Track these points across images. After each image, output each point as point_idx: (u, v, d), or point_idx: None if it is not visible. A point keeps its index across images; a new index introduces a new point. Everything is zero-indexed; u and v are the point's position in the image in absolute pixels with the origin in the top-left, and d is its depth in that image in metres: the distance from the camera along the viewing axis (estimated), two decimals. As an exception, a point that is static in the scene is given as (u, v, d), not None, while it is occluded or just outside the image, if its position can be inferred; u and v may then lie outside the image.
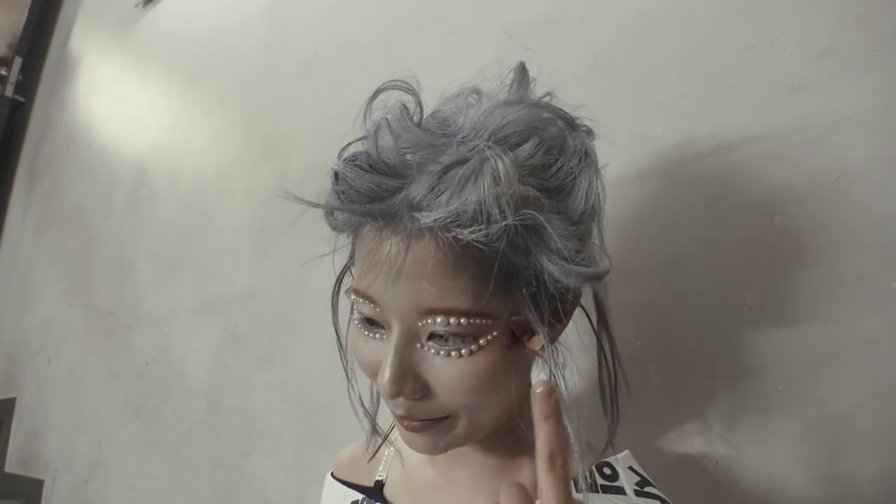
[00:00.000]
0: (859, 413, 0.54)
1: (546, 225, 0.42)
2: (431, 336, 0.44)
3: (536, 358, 0.52)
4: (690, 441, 0.62)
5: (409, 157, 0.43)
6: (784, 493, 0.56)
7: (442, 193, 0.40)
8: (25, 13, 2.86)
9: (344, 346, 0.57)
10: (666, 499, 0.51)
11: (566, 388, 0.46)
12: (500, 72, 0.53)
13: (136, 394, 1.54)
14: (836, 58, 0.59)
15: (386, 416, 0.60)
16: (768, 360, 0.59)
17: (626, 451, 0.55)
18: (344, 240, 0.53)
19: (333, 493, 0.65)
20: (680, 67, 0.70)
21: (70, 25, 2.73)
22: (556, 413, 0.36)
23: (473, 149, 0.42)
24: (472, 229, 0.39)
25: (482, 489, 0.54)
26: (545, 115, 0.47)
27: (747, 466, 0.59)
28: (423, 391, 0.45)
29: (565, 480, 0.36)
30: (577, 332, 0.52)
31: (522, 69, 0.53)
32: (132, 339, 1.62)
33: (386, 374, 0.44)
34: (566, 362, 0.47)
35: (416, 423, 0.47)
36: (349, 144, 0.50)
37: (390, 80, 0.49)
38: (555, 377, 0.47)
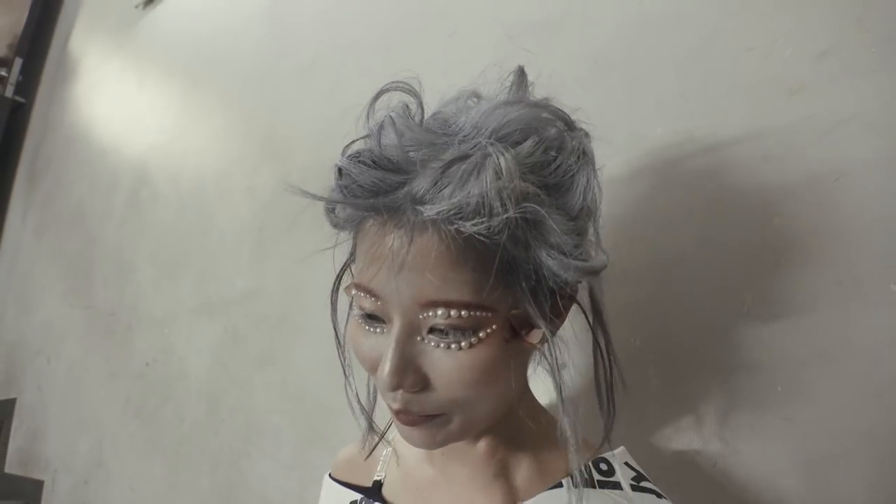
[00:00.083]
0: (858, 414, 0.54)
1: (547, 217, 0.43)
2: (432, 329, 0.45)
3: (534, 353, 0.52)
4: (689, 441, 0.62)
5: (411, 154, 0.44)
6: (782, 494, 0.57)
7: (445, 187, 0.41)
8: (25, 14, 2.86)
9: (342, 343, 0.58)
10: (661, 493, 0.51)
11: (564, 383, 0.47)
12: (499, 74, 0.54)
13: (136, 394, 1.54)
14: (835, 59, 0.60)
15: (383, 415, 0.61)
16: (767, 360, 0.59)
17: (622, 448, 0.55)
18: (344, 237, 0.53)
19: (331, 494, 0.65)
20: (679, 68, 0.70)
21: (70, 26, 2.74)
22: None
23: (475, 146, 0.43)
24: (474, 221, 0.40)
25: (480, 486, 0.55)
26: (544, 115, 0.48)
27: (746, 466, 0.59)
28: (423, 384, 0.46)
29: None
30: (573, 330, 0.53)
31: (521, 72, 0.53)
32: (132, 339, 1.62)
33: (387, 367, 0.44)
34: (564, 358, 0.47)
35: (410, 418, 0.47)
36: (352, 142, 0.50)
37: (393, 82, 0.50)
38: (554, 372, 0.47)
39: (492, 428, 0.53)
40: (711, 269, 0.64)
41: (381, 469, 0.63)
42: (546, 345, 0.48)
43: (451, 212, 0.41)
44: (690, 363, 0.64)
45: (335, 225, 0.52)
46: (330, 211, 0.52)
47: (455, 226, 0.41)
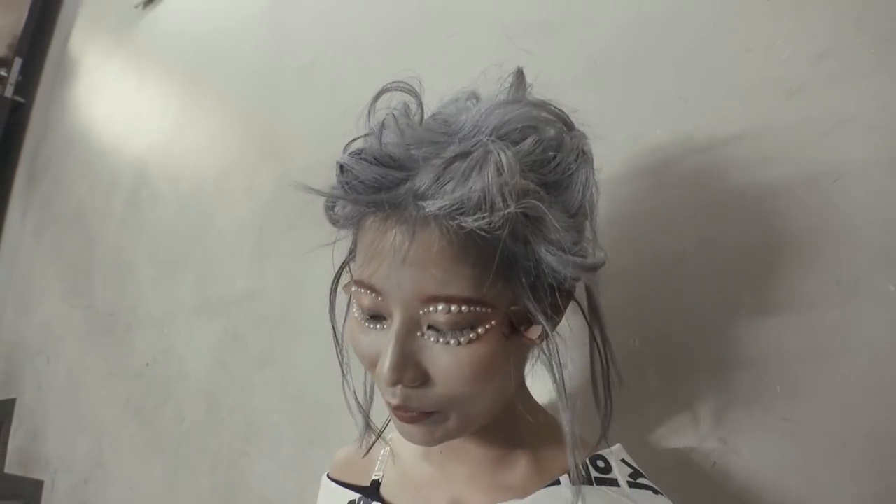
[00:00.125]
0: (857, 414, 0.54)
1: (548, 212, 0.44)
2: (431, 325, 0.45)
3: (531, 351, 0.53)
4: (688, 441, 0.62)
5: (413, 151, 0.44)
6: (781, 493, 0.57)
7: (447, 183, 0.42)
8: (25, 14, 2.86)
9: (340, 340, 0.58)
10: (658, 489, 0.51)
11: (563, 379, 0.47)
12: (499, 75, 0.54)
13: (135, 394, 1.54)
14: (834, 60, 0.60)
15: (380, 414, 0.61)
16: (766, 360, 0.59)
17: (618, 445, 0.56)
18: (343, 235, 0.54)
19: (329, 494, 0.65)
20: (679, 69, 0.70)
21: (70, 26, 2.74)
22: None
23: (476, 144, 0.43)
24: (475, 217, 0.41)
25: (478, 484, 0.55)
26: (543, 114, 0.49)
27: (745, 466, 0.59)
28: (422, 379, 0.46)
29: None
30: (569, 328, 0.53)
31: (520, 74, 0.54)
32: (132, 339, 1.62)
33: (386, 362, 0.45)
34: (563, 354, 0.48)
35: (408, 415, 0.47)
36: (353, 140, 0.51)
37: (394, 81, 0.51)
38: (554, 365, 0.48)
39: (489, 425, 0.53)
40: (710, 269, 0.64)
41: (379, 469, 0.64)
42: (545, 341, 0.48)
43: (454, 207, 0.41)
44: (689, 363, 0.64)
45: (334, 223, 0.53)
46: (329, 208, 0.52)
47: (457, 221, 0.42)
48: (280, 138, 1.31)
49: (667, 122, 0.70)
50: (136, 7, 2.07)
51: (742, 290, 0.62)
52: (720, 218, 0.64)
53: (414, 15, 1.08)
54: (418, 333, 0.46)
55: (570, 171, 0.48)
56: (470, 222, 0.41)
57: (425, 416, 0.48)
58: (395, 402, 0.47)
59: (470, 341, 0.45)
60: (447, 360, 0.45)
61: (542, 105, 0.50)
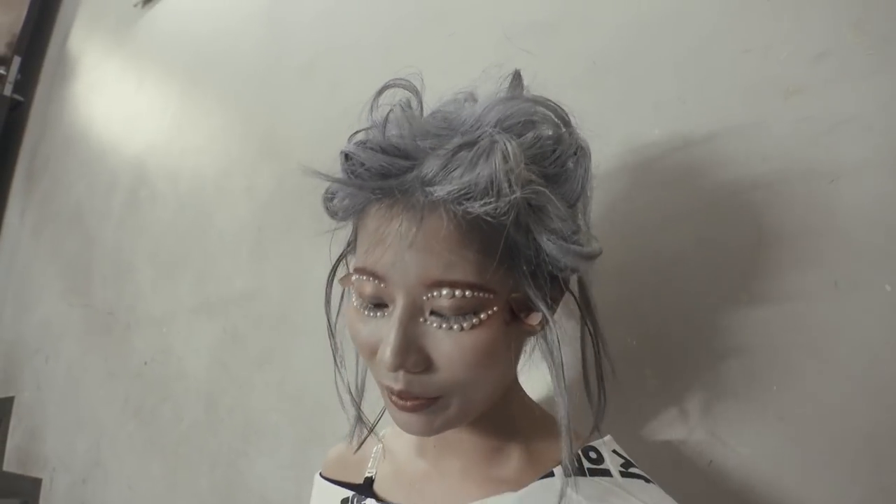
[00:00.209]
0: (854, 414, 0.54)
1: (553, 198, 0.46)
2: (434, 311, 0.46)
3: (525, 346, 0.54)
4: (685, 440, 0.63)
5: (418, 142, 0.45)
6: (778, 493, 0.57)
7: (454, 170, 0.43)
8: (24, 12, 2.86)
9: (334, 332, 0.59)
10: (649, 478, 0.52)
11: (562, 364, 0.48)
12: (498, 75, 0.55)
13: (134, 393, 1.55)
14: (832, 61, 0.60)
15: (371, 409, 0.61)
16: (763, 360, 0.59)
17: (609, 436, 0.56)
18: (339, 226, 0.55)
19: (322, 493, 0.65)
20: (677, 70, 0.70)
21: (69, 25, 2.73)
22: None
23: (481, 134, 0.44)
24: (483, 202, 0.42)
25: (473, 477, 0.55)
26: (543, 110, 0.51)
27: (741, 466, 0.59)
28: (425, 364, 0.46)
29: None
30: (561, 322, 0.53)
31: (517, 75, 0.55)
32: (131, 338, 1.62)
33: (389, 347, 0.45)
34: (561, 342, 0.48)
35: (409, 403, 0.48)
36: (356, 133, 0.52)
37: (397, 78, 0.52)
38: (553, 350, 0.49)
39: (484, 418, 0.54)
40: (708, 268, 0.64)
41: (372, 466, 0.64)
42: (544, 329, 0.50)
43: (462, 191, 0.42)
44: (686, 362, 0.64)
45: (333, 214, 0.54)
46: (328, 200, 0.53)
47: (463, 206, 0.43)
48: (279, 138, 1.32)
49: (665, 123, 0.70)
50: (136, 6, 2.07)
51: (740, 289, 0.62)
52: (718, 217, 0.64)
53: (413, 15, 1.08)
54: (421, 319, 0.46)
55: (570, 164, 0.50)
56: (477, 207, 0.42)
57: (426, 404, 0.48)
58: (397, 386, 0.47)
59: (473, 326, 0.46)
60: (450, 344, 0.46)
61: (541, 101, 0.51)
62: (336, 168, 0.52)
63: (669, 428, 0.64)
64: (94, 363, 1.75)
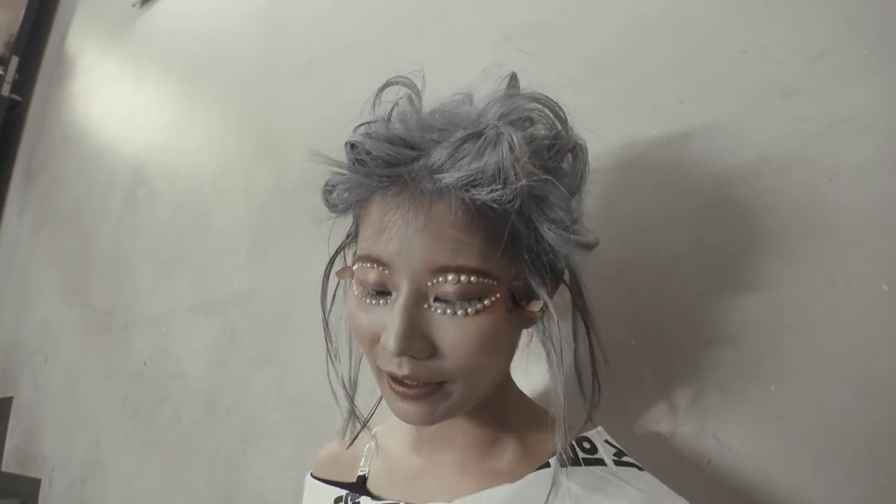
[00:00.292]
0: (851, 413, 0.55)
1: (558, 185, 0.48)
2: (439, 297, 0.47)
3: (520, 338, 0.55)
4: (683, 438, 0.63)
5: (424, 134, 0.47)
6: (776, 492, 0.57)
7: (462, 158, 0.44)
8: (22, 12, 2.85)
9: (328, 324, 0.60)
10: (641, 466, 0.53)
11: (561, 349, 0.49)
12: (497, 75, 0.56)
13: (133, 393, 1.54)
14: (829, 62, 0.60)
15: (365, 404, 0.62)
16: (761, 359, 0.60)
17: (600, 427, 0.57)
18: (338, 230, 0.56)
19: (315, 493, 0.65)
20: (675, 70, 0.71)
21: (67, 25, 2.73)
22: None
23: (487, 126, 0.46)
24: (490, 188, 0.43)
25: (468, 470, 0.56)
26: (541, 107, 0.52)
27: (739, 464, 0.59)
28: (430, 350, 0.47)
29: None
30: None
31: (514, 77, 0.57)
32: (129, 338, 1.62)
33: (394, 333, 0.46)
34: (560, 332, 0.50)
35: (412, 391, 0.48)
36: (360, 126, 0.53)
37: (399, 76, 0.54)
38: (552, 339, 0.50)
39: (479, 411, 0.54)
40: (706, 268, 0.64)
41: (365, 464, 0.64)
42: (543, 316, 0.51)
43: (470, 178, 0.44)
44: (684, 362, 0.64)
45: (333, 207, 0.55)
46: (328, 192, 0.55)
47: (471, 193, 0.44)
48: (278, 138, 1.31)
49: (663, 123, 0.70)
50: (134, 6, 2.06)
51: (738, 288, 0.62)
52: (716, 217, 0.64)
53: (412, 15, 1.08)
54: (425, 306, 0.47)
55: (569, 159, 0.53)
56: (484, 195, 0.44)
57: (429, 391, 0.48)
58: (402, 372, 0.48)
59: (477, 312, 0.47)
60: (454, 330, 0.47)
61: (540, 99, 0.53)
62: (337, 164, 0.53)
63: (668, 427, 0.64)
64: (92, 363, 1.75)
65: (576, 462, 0.53)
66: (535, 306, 0.50)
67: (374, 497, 0.59)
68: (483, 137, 0.45)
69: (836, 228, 0.58)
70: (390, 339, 0.46)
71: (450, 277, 0.46)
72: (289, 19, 1.39)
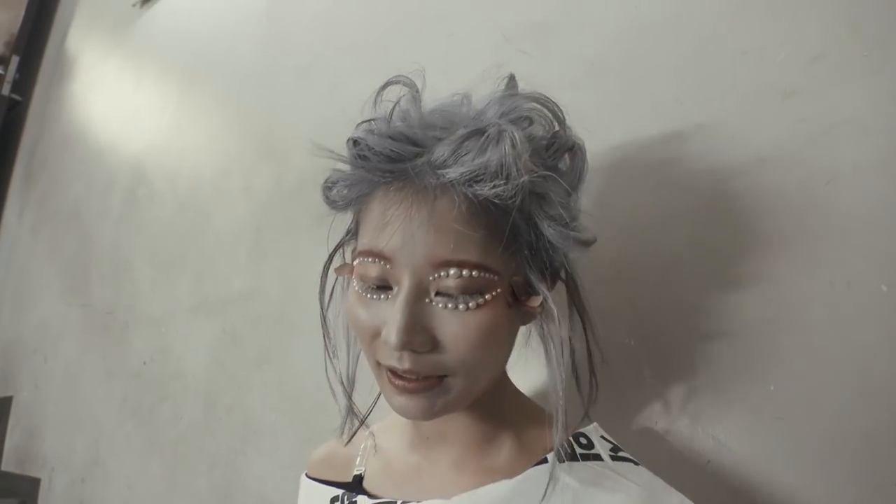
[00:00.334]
0: (850, 413, 0.55)
1: (559, 180, 0.49)
2: (440, 291, 0.47)
3: (520, 332, 0.56)
4: (682, 438, 0.63)
5: (427, 132, 0.48)
6: (774, 492, 0.57)
7: (465, 154, 0.45)
8: (22, 12, 2.86)
9: (326, 321, 0.61)
10: (637, 461, 0.54)
11: (563, 341, 0.50)
12: (494, 77, 0.57)
13: (133, 393, 1.55)
14: (828, 63, 0.60)
15: (362, 402, 0.62)
16: (759, 359, 0.60)
17: (595, 423, 0.58)
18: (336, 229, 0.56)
19: (310, 493, 0.65)
20: (675, 72, 0.71)
21: (67, 25, 2.73)
22: None
23: (489, 124, 0.47)
24: (492, 184, 0.44)
25: (465, 467, 0.56)
26: (540, 107, 0.53)
27: (739, 465, 0.59)
28: (431, 345, 0.48)
29: None
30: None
31: (512, 79, 0.57)
32: (129, 338, 1.62)
33: (396, 326, 0.46)
34: (558, 324, 0.50)
35: (411, 385, 0.49)
36: (361, 123, 0.54)
37: (400, 75, 0.55)
38: (552, 336, 0.51)
39: (476, 407, 0.55)
40: (705, 269, 0.64)
41: (361, 463, 0.64)
42: (543, 311, 0.51)
43: (473, 174, 0.44)
44: (684, 363, 0.64)
45: (332, 203, 0.56)
46: (328, 189, 0.55)
47: (474, 189, 0.45)
48: (278, 138, 1.32)
49: (663, 124, 0.70)
50: (134, 6, 2.06)
51: (736, 289, 0.62)
52: (715, 218, 0.65)
53: (412, 15, 1.08)
54: (426, 300, 0.48)
55: (567, 158, 0.54)
56: (487, 190, 0.44)
57: (429, 385, 0.49)
58: (403, 366, 0.48)
59: (478, 306, 0.47)
60: (456, 324, 0.47)
61: (539, 99, 0.53)
62: (336, 163, 0.54)
63: (667, 427, 0.64)
64: (92, 363, 1.75)
65: (573, 457, 0.53)
66: (535, 301, 0.50)
67: (370, 496, 0.59)
68: (486, 134, 0.45)
69: (835, 229, 0.58)
70: (392, 333, 0.46)
71: (452, 272, 0.46)
72: (289, 19, 1.40)
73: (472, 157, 0.45)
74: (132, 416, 1.52)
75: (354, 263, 0.52)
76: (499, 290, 0.48)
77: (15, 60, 2.83)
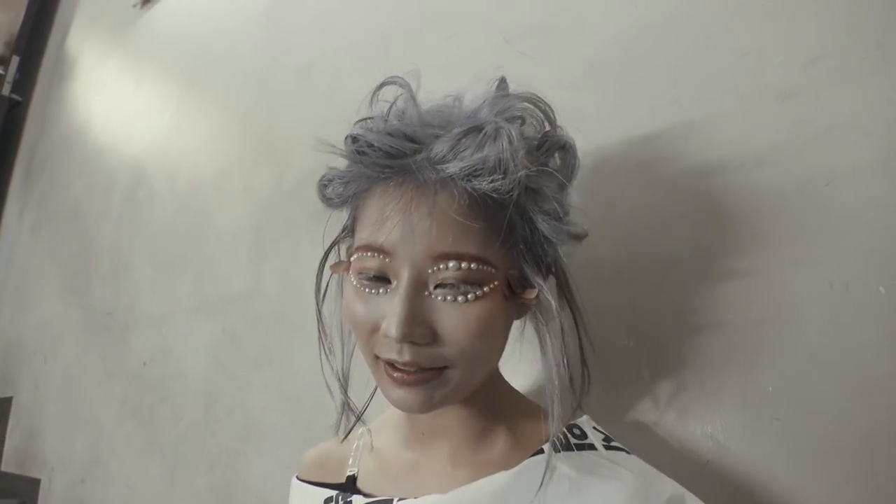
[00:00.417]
0: (849, 414, 0.55)
1: (555, 174, 0.51)
2: (438, 284, 0.48)
3: (514, 328, 0.57)
4: (681, 439, 0.63)
5: (426, 129, 0.49)
6: (773, 493, 0.57)
7: (463, 150, 0.46)
8: (23, 12, 2.85)
9: (322, 319, 0.61)
10: (629, 450, 0.55)
11: (561, 329, 0.51)
12: (486, 81, 0.57)
13: (133, 393, 1.55)
14: (827, 65, 0.60)
15: (357, 400, 0.62)
16: (758, 360, 0.60)
17: (586, 415, 0.59)
18: (330, 220, 0.57)
19: (303, 495, 0.65)
20: (674, 73, 0.71)
21: (67, 25, 2.73)
22: None
23: (486, 122, 0.48)
24: (491, 178, 0.45)
25: (461, 462, 0.57)
26: (531, 107, 0.55)
27: (738, 465, 0.59)
28: (431, 337, 0.48)
29: None
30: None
31: (503, 81, 0.58)
32: (130, 338, 1.62)
33: (396, 319, 0.47)
34: (557, 314, 0.51)
35: (410, 377, 0.49)
36: (359, 121, 0.54)
37: (394, 76, 0.56)
38: (546, 328, 0.52)
39: (471, 401, 0.56)
40: (704, 270, 0.65)
41: (354, 464, 0.64)
42: (538, 303, 0.52)
43: (473, 168, 0.46)
44: (682, 364, 0.64)
45: (328, 201, 0.57)
46: (324, 187, 0.56)
47: (472, 183, 0.46)
48: (278, 139, 1.32)
49: (662, 125, 0.70)
50: (134, 6, 2.06)
51: (735, 290, 0.62)
52: (714, 220, 0.65)
53: (412, 17, 1.08)
54: (426, 293, 0.48)
55: (559, 155, 0.56)
56: (485, 185, 0.46)
57: (428, 377, 0.49)
58: (403, 358, 0.48)
59: (477, 298, 0.48)
60: (455, 316, 0.48)
61: (531, 99, 0.55)
62: (335, 163, 0.54)
63: (666, 428, 0.64)
64: (92, 363, 1.75)
65: (568, 447, 0.54)
66: (531, 293, 0.51)
67: (365, 495, 0.59)
68: (483, 131, 0.46)
69: (834, 230, 0.58)
70: (393, 326, 0.47)
71: (451, 264, 0.47)
72: (289, 20, 1.40)
73: (470, 152, 0.46)
74: (132, 417, 1.52)
75: (352, 259, 0.52)
76: (496, 283, 0.49)
77: (15, 61, 2.83)
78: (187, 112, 1.68)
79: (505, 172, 0.45)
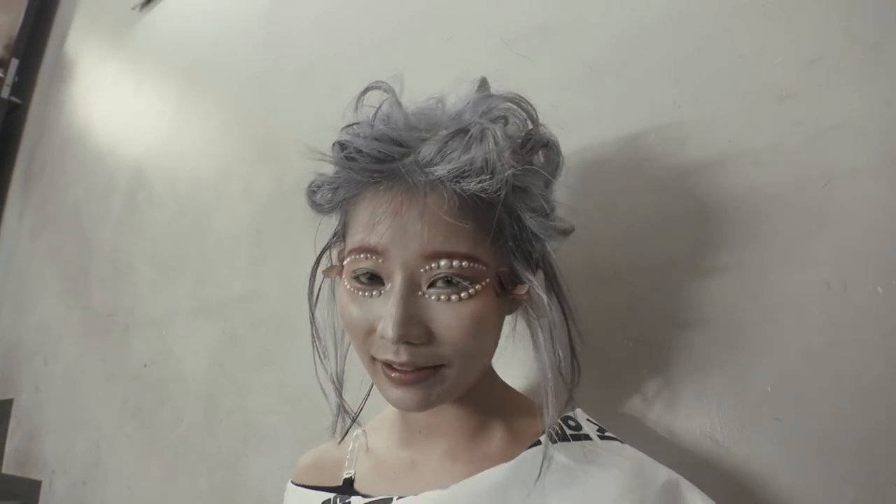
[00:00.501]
0: (847, 414, 0.55)
1: (541, 172, 0.53)
2: (431, 284, 0.49)
3: (505, 325, 0.58)
4: (680, 439, 0.63)
5: (412, 133, 0.50)
6: (772, 493, 0.57)
7: (451, 153, 0.47)
8: (22, 15, 2.85)
9: (315, 322, 0.62)
10: (622, 440, 0.56)
11: (553, 322, 0.52)
12: (467, 83, 0.58)
13: (133, 395, 1.55)
14: (824, 67, 0.61)
15: (351, 402, 0.62)
16: (757, 360, 0.60)
17: (579, 409, 0.60)
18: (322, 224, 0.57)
19: (299, 499, 0.65)
20: (672, 75, 0.71)
21: (66, 28, 2.73)
22: None
23: (471, 123, 0.49)
24: (479, 179, 0.46)
25: (459, 458, 0.57)
26: (514, 107, 0.55)
27: (736, 466, 0.60)
28: (426, 336, 0.49)
29: None
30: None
31: (483, 81, 0.59)
32: (130, 340, 1.62)
33: (391, 320, 0.48)
34: (548, 308, 0.52)
35: (407, 376, 0.50)
36: (346, 127, 0.55)
37: (378, 81, 0.56)
38: (537, 322, 0.53)
39: (466, 397, 0.56)
40: (703, 271, 0.65)
41: (350, 466, 0.65)
42: (529, 299, 0.53)
43: (460, 170, 0.46)
44: (681, 364, 0.65)
45: (318, 207, 0.58)
46: (313, 193, 0.57)
47: (461, 184, 0.47)
48: (277, 141, 1.32)
49: (661, 127, 0.70)
50: (134, 9, 2.06)
51: (734, 292, 0.63)
52: (712, 221, 0.65)
53: (411, 19, 1.09)
54: (419, 293, 0.49)
55: (544, 154, 0.57)
56: (473, 185, 0.46)
57: (425, 376, 0.50)
58: (399, 359, 0.49)
59: (470, 296, 0.49)
60: (449, 314, 0.49)
61: (513, 99, 0.55)
62: (325, 168, 0.54)
63: (665, 428, 0.65)
64: (92, 365, 1.75)
65: (564, 438, 0.55)
66: (522, 289, 0.52)
67: (363, 496, 0.60)
68: (469, 133, 0.47)
69: (831, 231, 0.58)
70: (388, 327, 0.48)
71: (442, 263, 0.48)
72: (289, 23, 1.40)
73: (458, 154, 0.47)
74: (132, 419, 1.52)
75: (344, 263, 0.53)
76: (488, 281, 0.50)
77: (14, 63, 2.83)
78: (187, 114, 1.68)
79: (492, 173, 0.46)
